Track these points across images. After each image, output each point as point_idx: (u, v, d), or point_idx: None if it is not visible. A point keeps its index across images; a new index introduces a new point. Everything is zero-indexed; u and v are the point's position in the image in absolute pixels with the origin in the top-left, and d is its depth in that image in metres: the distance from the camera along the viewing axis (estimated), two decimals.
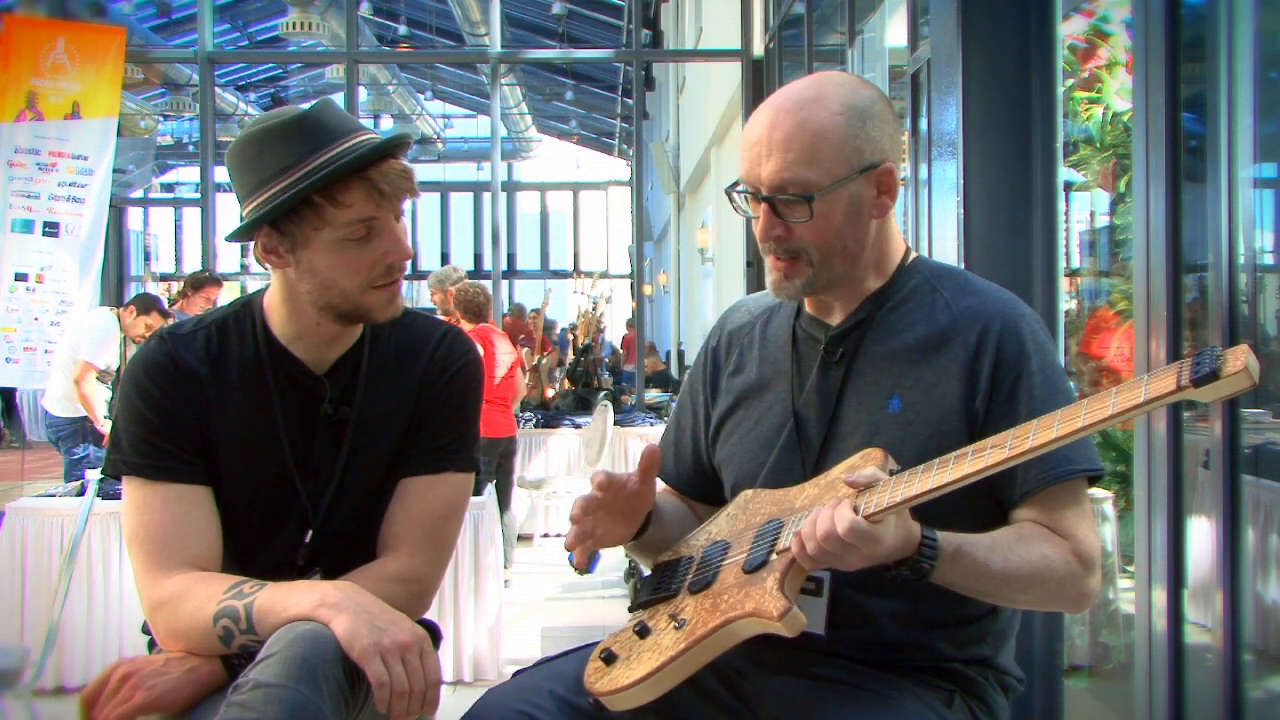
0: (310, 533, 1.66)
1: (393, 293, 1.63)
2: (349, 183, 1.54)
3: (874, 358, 1.54)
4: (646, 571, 1.59)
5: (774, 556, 1.37)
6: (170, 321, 6.10)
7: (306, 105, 1.62)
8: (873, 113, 1.51)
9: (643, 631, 1.42)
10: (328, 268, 1.58)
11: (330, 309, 1.62)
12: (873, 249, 1.56)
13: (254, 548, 1.66)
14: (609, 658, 1.42)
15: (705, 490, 1.73)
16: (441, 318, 6.00)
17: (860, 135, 1.49)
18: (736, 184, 1.54)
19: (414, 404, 1.70)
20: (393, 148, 1.59)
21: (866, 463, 1.41)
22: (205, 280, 6.67)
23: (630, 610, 1.50)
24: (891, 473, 1.35)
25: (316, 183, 1.52)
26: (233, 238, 1.63)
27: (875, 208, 1.52)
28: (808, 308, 1.63)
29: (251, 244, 1.62)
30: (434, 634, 1.78)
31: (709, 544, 1.53)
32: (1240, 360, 1.08)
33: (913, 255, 1.61)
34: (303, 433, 1.66)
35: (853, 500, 1.29)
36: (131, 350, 6.06)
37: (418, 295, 20.80)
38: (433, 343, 1.74)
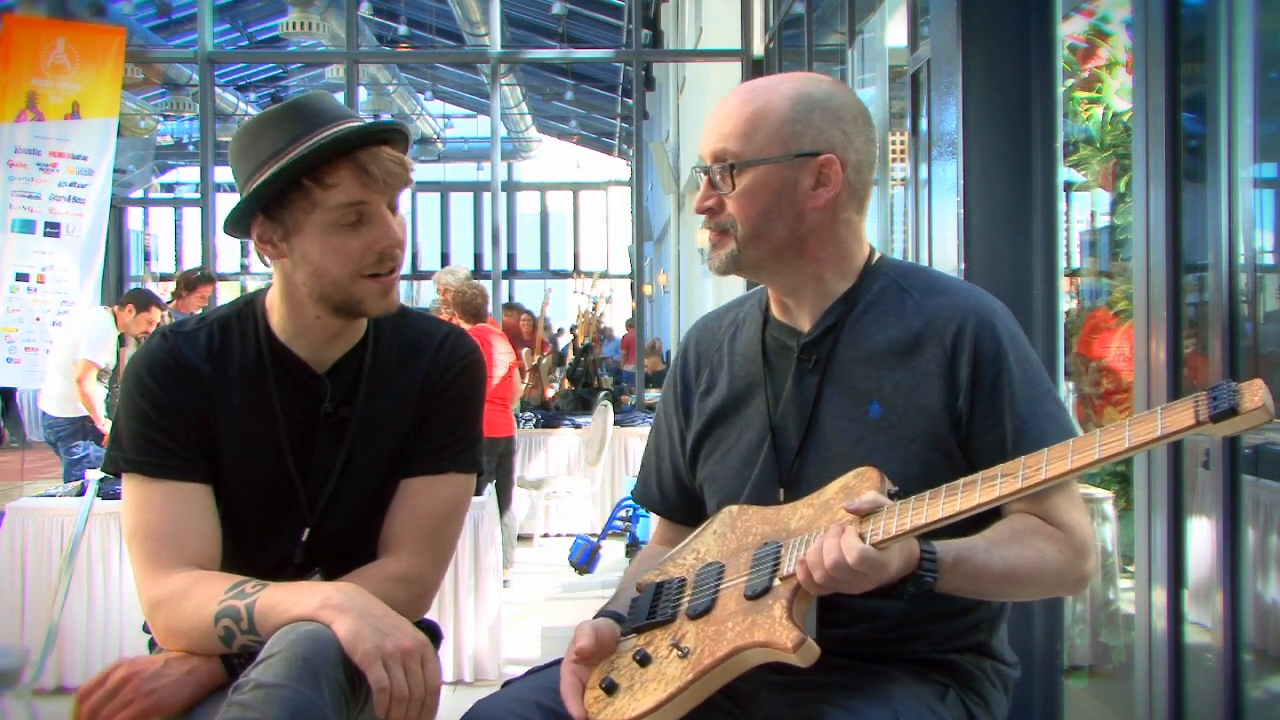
0: (307, 531, 1.66)
1: (386, 285, 1.62)
2: (335, 164, 1.54)
3: (849, 363, 1.54)
4: (635, 593, 1.55)
5: (777, 582, 1.36)
6: (168, 317, 6.11)
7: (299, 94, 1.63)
8: (828, 105, 1.51)
9: (644, 660, 1.39)
10: (319, 254, 1.57)
11: (324, 300, 1.61)
12: (827, 245, 1.55)
13: (253, 546, 1.66)
14: (610, 687, 1.39)
15: (694, 514, 1.70)
16: (445, 315, 6.01)
17: (802, 121, 1.50)
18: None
19: (416, 404, 1.70)
20: (385, 133, 1.59)
21: (862, 483, 1.39)
22: (199, 279, 6.67)
23: (624, 635, 1.48)
24: (890, 494, 1.34)
25: (301, 162, 1.52)
26: (228, 227, 1.63)
27: (810, 198, 1.52)
28: (776, 314, 1.62)
29: (251, 239, 1.62)
30: (434, 634, 1.78)
31: (701, 565, 1.50)
32: (1258, 396, 1.09)
33: (877, 255, 1.61)
34: (303, 431, 1.66)
35: (857, 527, 1.29)
36: (129, 349, 6.06)
37: (418, 295, 20.81)
38: (435, 343, 1.73)
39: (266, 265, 1.66)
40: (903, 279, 1.57)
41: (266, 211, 1.57)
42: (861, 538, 1.26)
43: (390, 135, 1.60)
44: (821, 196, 1.52)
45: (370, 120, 1.62)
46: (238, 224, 1.61)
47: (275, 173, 1.53)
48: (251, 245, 1.64)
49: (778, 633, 1.30)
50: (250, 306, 1.70)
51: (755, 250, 1.53)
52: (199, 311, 6.08)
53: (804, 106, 1.50)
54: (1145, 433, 1.14)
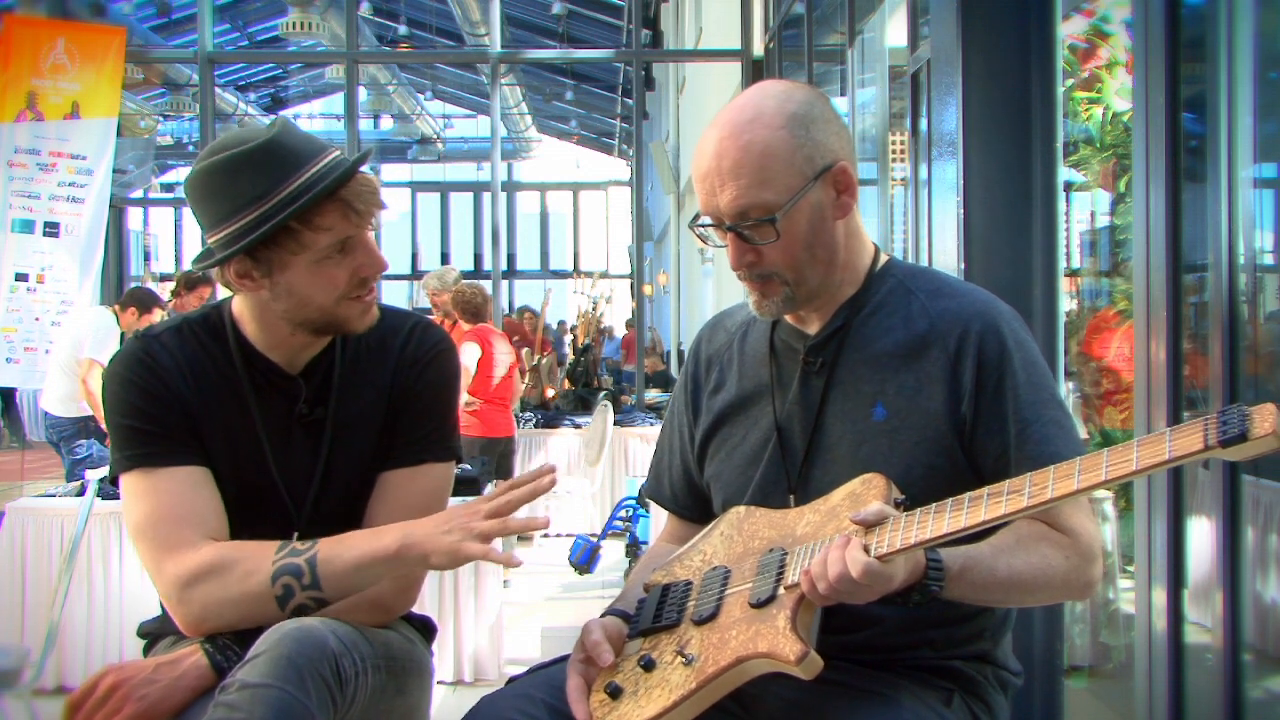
0: (296, 536, 1.64)
1: (367, 304, 1.64)
2: (324, 206, 1.54)
3: (854, 365, 1.53)
4: (642, 594, 1.56)
5: (781, 591, 1.35)
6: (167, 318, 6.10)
7: (266, 122, 1.60)
8: (813, 116, 1.49)
9: (648, 665, 1.39)
10: (305, 287, 1.58)
11: (306, 324, 1.62)
12: (843, 250, 1.54)
13: None
14: (615, 691, 1.39)
15: (703, 512, 1.70)
16: (436, 318, 6.01)
17: (807, 143, 1.47)
18: (697, 217, 1.53)
19: (388, 399, 1.69)
20: (357, 163, 1.58)
21: (868, 490, 1.39)
22: (199, 280, 6.66)
23: (629, 637, 1.48)
24: (897, 503, 1.34)
25: (295, 210, 1.52)
26: (203, 265, 1.61)
27: (837, 209, 1.51)
28: (785, 317, 1.62)
29: (219, 269, 1.59)
30: (428, 630, 1.78)
31: (707, 569, 1.50)
32: (1269, 422, 1.07)
33: (884, 258, 1.60)
34: (281, 434, 1.66)
35: (862, 539, 1.28)
36: None
37: (417, 295, 20.81)
38: (402, 336, 1.73)
39: (232, 292, 1.65)
40: (910, 281, 1.57)
41: (249, 251, 1.56)
42: (866, 550, 1.26)
43: (360, 162, 1.60)
44: (845, 204, 1.52)
45: (340, 152, 1.60)
46: (214, 263, 1.58)
47: (268, 223, 1.52)
48: (219, 274, 1.61)
49: (781, 644, 1.30)
50: (218, 313, 1.69)
51: (807, 285, 1.52)
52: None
53: (799, 126, 1.47)
54: (1153, 455, 1.13)
